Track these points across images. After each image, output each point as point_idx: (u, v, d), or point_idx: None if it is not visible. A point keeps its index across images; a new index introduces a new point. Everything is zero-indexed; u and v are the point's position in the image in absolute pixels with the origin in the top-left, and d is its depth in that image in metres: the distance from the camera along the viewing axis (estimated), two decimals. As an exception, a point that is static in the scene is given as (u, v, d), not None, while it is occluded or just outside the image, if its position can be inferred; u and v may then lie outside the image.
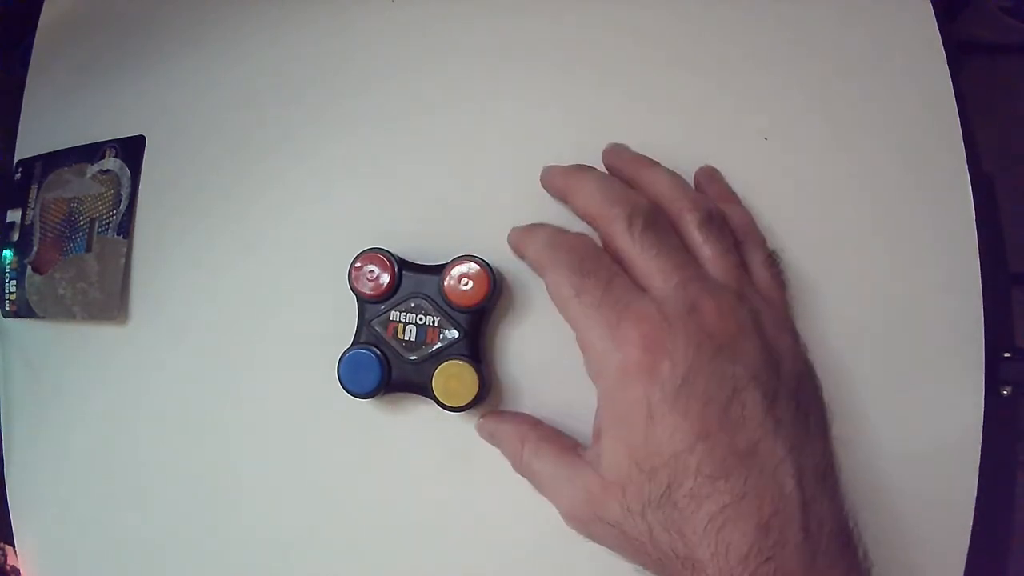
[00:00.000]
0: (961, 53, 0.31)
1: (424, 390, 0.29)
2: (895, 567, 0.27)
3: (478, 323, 0.29)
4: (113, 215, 0.36)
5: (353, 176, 0.34)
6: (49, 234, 0.37)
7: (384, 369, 0.29)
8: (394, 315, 0.29)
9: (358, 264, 0.30)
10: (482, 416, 0.30)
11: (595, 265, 0.26)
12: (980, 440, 0.28)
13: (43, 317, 0.37)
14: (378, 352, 0.29)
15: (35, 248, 0.38)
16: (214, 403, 0.34)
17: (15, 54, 0.42)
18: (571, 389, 0.28)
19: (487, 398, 0.30)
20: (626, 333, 0.24)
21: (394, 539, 0.32)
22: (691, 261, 0.26)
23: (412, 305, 0.29)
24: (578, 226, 0.29)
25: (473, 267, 0.29)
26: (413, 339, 0.29)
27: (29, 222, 0.38)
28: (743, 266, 0.27)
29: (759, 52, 0.32)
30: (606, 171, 0.30)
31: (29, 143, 0.39)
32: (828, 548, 0.22)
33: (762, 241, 0.29)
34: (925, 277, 0.29)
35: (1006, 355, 0.29)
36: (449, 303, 0.29)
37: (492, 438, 0.30)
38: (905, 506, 0.28)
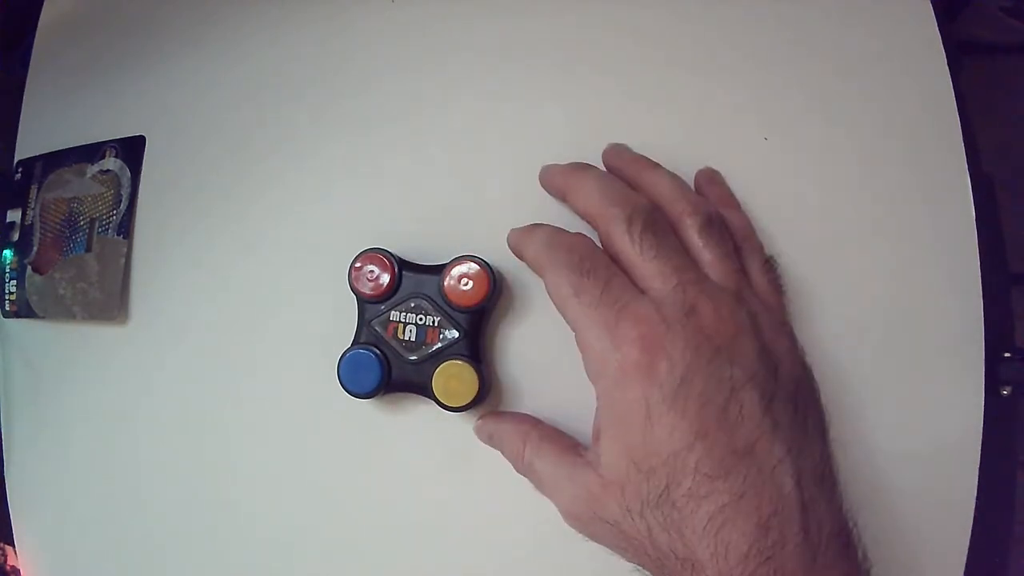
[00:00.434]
0: (961, 53, 0.31)
1: (424, 390, 0.29)
2: (895, 567, 0.27)
3: (478, 323, 0.29)
4: (113, 215, 0.36)
5: (353, 176, 0.34)
6: (49, 234, 0.37)
7: (384, 369, 0.29)
8: (394, 315, 0.29)
9: (358, 264, 0.30)
10: (480, 417, 0.30)
11: (594, 265, 0.26)
12: (980, 440, 0.28)
13: (43, 317, 0.37)
14: (378, 352, 0.29)
15: (35, 248, 0.38)
16: (214, 403, 0.34)
17: (15, 54, 0.42)
18: (571, 389, 0.28)
19: (487, 398, 0.30)
20: (625, 333, 0.24)
21: (394, 539, 0.32)
22: (690, 264, 0.26)
23: (412, 305, 0.29)
24: (578, 227, 0.29)
25: (473, 267, 0.29)
26: (413, 339, 0.29)
27: (29, 222, 0.38)
28: (742, 271, 0.27)
29: (759, 52, 0.32)
30: (606, 171, 0.30)
31: (29, 143, 0.39)
32: (827, 549, 0.23)
33: (760, 246, 0.29)
34: (925, 277, 0.29)
35: (1006, 355, 0.29)
36: (449, 303, 0.29)
37: (491, 439, 0.30)
38: (905, 506, 0.28)
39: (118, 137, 0.37)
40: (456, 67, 0.34)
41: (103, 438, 0.36)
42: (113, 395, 0.36)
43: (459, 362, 0.29)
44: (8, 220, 0.38)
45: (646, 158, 0.30)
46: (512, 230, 0.29)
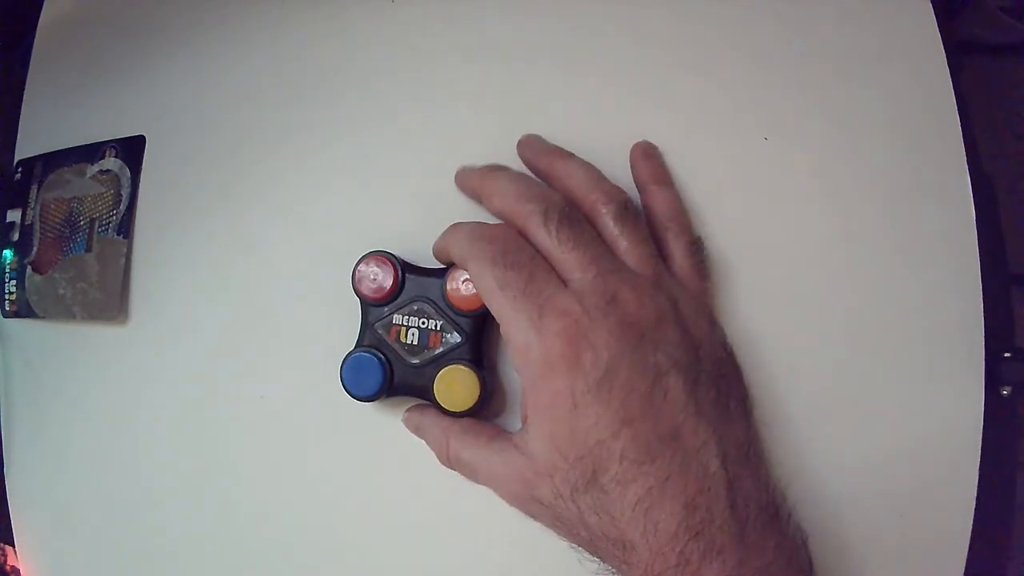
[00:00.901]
0: (961, 53, 0.31)
1: (426, 394, 0.29)
2: (895, 567, 0.28)
3: (480, 327, 0.29)
4: (113, 215, 0.36)
5: (354, 176, 0.34)
6: (49, 234, 0.37)
7: (386, 372, 0.29)
8: (397, 318, 0.29)
9: (361, 266, 0.30)
10: (407, 409, 0.30)
11: (517, 258, 0.26)
12: (980, 440, 0.28)
13: (43, 317, 0.37)
14: (381, 355, 0.29)
15: (35, 248, 0.38)
16: (214, 403, 0.34)
17: (15, 54, 0.42)
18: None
19: (488, 403, 0.30)
20: (548, 326, 0.25)
21: (394, 539, 0.32)
22: (607, 253, 0.27)
23: (415, 308, 0.29)
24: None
25: None
26: (416, 343, 0.29)
27: (29, 222, 0.38)
28: (659, 256, 0.28)
29: (759, 52, 0.32)
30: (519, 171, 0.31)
31: (29, 143, 0.39)
32: (756, 523, 0.23)
33: (687, 227, 0.29)
34: (925, 277, 0.29)
35: (1006, 355, 0.29)
36: (452, 307, 0.29)
37: (419, 431, 0.30)
38: (905, 506, 0.28)
39: (118, 137, 0.37)
40: (457, 67, 0.34)
41: (103, 438, 0.36)
42: (113, 395, 0.36)
43: (461, 367, 0.28)
44: (8, 220, 0.38)
45: (559, 148, 0.30)
46: (437, 239, 0.29)
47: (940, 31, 0.30)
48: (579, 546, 0.26)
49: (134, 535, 0.35)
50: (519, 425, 0.28)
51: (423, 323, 0.29)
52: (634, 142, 0.31)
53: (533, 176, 0.30)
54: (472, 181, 0.30)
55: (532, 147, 0.31)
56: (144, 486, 0.35)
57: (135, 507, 0.35)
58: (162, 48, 0.38)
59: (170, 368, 0.35)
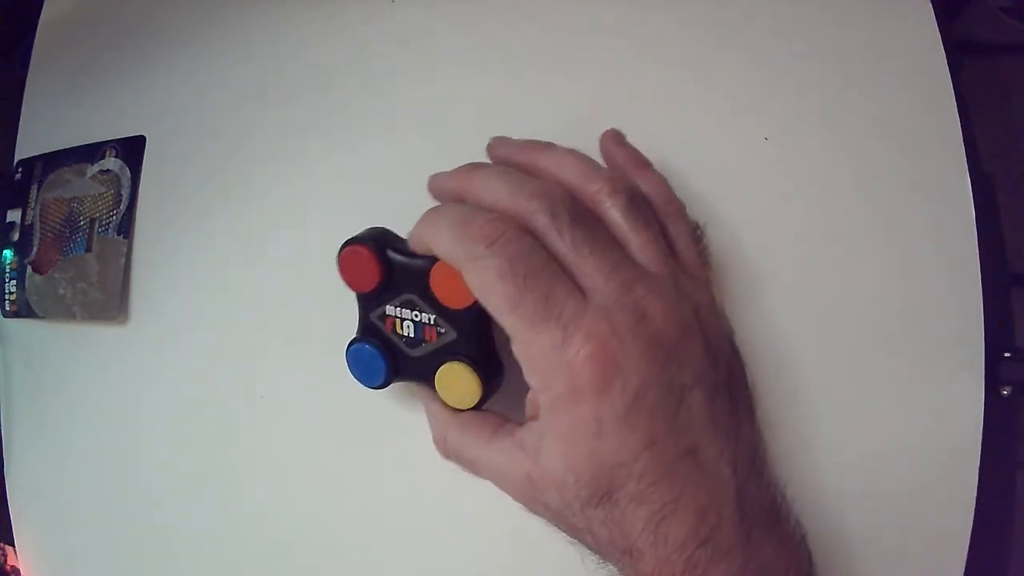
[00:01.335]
0: (961, 53, 0.31)
1: (430, 385, 0.28)
2: (895, 567, 0.27)
3: (476, 322, 0.27)
4: (113, 215, 0.36)
5: (354, 176, 0.34)
6: (49, 234, 0.37)
7: (388, 362, 0.28)
8: (390, 310, 0.28)
9: (343, 257, 0.27)
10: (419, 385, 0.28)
11: (528, 268, 0.23)
12: (980, 440, 0.28)
13: (43, 317, 0.37)
14: (380, 345, 0.28)
15: (35, 248, 0.38)
16: (214, 403, 0.34)
17: (15, 54, 0.42)
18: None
19: (492, 398, 0.29)
20: (575, 349, 0.22)
21: (394, 539, 0.32)
22: (625, 256, 0.24)
23: (405, 300, 0.27)
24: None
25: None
26: (412, 335, 0.27)
27: (29, 222, 0.38)
28: (670, 250, 0.26)
29: (759, 52, 0.32)
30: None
31: (29, 143, 0.39)
32: (761, 523, 0.23)
33: (683, 210, 0.27)
34: (925, 277, 0.29)
35: (1006, 355, 0.29)
36: (440, 304, 0.26)
37: (426, 412, 0.28)
38: (905, 506, 0.28)
39: (118, 137, 0.37)
40: (457, 67, 0.34)
41: (103, 438, 0.36)
42: (113, 395, 0.36)
43: (460, 364, 0.27)
44: (8, 220, 0.38)
45: (535, 141, 0.27)
46: (413, 229, 0.26)
47: (940, 31, 0.30)
48: (585, 547, 0.25)
49: (134, 535, 0.35)
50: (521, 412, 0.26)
51: (415, 316, 0.27)
52: (604, 130, 0.29)
53: (517, 171, 0.27)
54: (450, 184, 0.27)
55: (505, 146, 0.28)
56: (144, 486, 0.35)
57: (135, 507, 0.35)
58: (162, 48, 0.38)
59: (170, 368, 0.35)
